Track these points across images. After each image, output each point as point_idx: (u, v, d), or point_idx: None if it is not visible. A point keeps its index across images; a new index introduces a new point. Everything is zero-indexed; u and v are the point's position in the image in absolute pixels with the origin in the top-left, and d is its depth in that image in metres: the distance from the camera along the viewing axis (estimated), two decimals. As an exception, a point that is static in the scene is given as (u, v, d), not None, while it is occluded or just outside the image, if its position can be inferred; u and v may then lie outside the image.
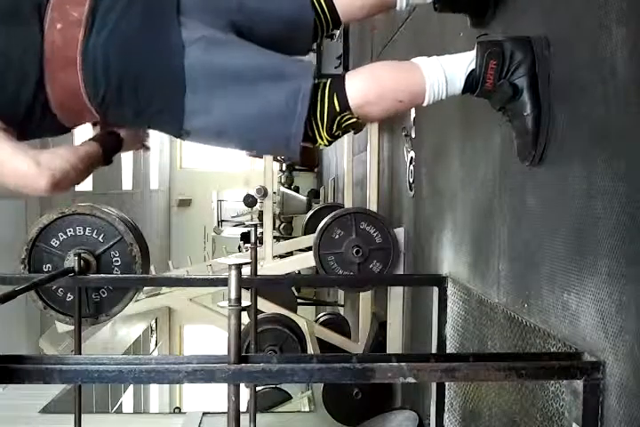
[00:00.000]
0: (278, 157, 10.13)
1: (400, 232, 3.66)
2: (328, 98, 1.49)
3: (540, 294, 1.64)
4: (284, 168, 10.75)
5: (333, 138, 1.55)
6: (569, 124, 1.49)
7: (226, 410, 1.52)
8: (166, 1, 1.50)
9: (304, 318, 4.73)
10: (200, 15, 1.51)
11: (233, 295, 1.46)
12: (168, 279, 3.48)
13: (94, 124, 1.74)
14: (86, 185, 8.61)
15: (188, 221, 14.93)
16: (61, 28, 1.44)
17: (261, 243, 4.51)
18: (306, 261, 4.34)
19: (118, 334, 8.70)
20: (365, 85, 1.51)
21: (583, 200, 1.41)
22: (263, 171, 4.73)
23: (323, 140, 1.54)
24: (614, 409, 1.30)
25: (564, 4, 1.53)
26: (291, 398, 5.42)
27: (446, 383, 2.57)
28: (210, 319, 4.82)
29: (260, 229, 4.19)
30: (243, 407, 2.52)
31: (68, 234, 2.95)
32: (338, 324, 5.66)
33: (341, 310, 7.10)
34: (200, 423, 4.29)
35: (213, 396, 7.77)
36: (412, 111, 3.32)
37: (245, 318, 3.40)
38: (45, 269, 2.95)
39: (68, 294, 2.97)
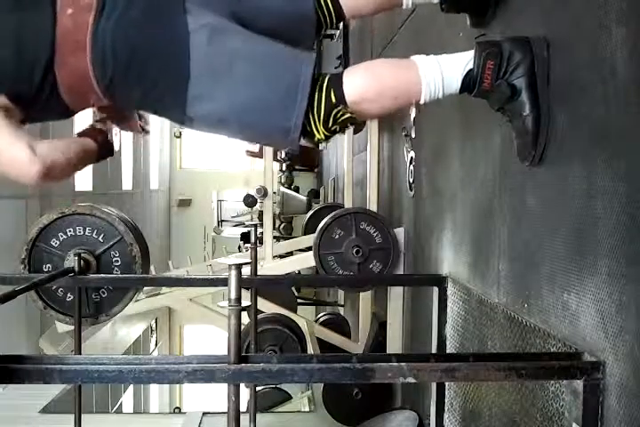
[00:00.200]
0: (279, 157, 10.15)
1: (400, 232, 3.66)
2: (325, 92, 1.50)
3: (540, 294, 1.64)
4: (284, 168, 10.75)
5: (330, 133, 1.56)
6: (569, 124, 1.49)
7: (226, 410, 1.52)
8: None
9: (304, 318, 4.73)
10: (205, 3, 1.53)
11: (233, 295, 1.46)
12: (168, 279, 3.48)
13: (98, 110, 1.75)
14: (86, 185, 8.61)
15: (188, 221, 14.93)
16: (72, 13, 1.48)
17: (261, 243, 4.51)
18: (306, 261, 4.34)
19: (118, 334, 8.70)
20: (362, 82, 1.53)
21: (583, 200, 1.41)
22: (263, 171, 4.73)
23: (320, 134, 1.55)
24: (614, 409, 1.30)
25: (563, 3, 1.53)
26: (291, 398, 5.42)
27: (446, 383, 2.57)
28: (210, 319, 4.82)
29: (260, 229, 4.19)
30: (243, 407, 2.53)
31: (68, 234, 2.96)
32: (338, 324, 5.66)
33: (341, 310, 7.10)
34: (200, 423, 4.29)
35: (213, 396, 7.76)
36: (412, 111, 3.32)
37: (245, 318, 3.40)
38: (45, 269, 2.95)
39: (68, 294, 2.97)
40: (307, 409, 5.23)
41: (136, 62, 1.49)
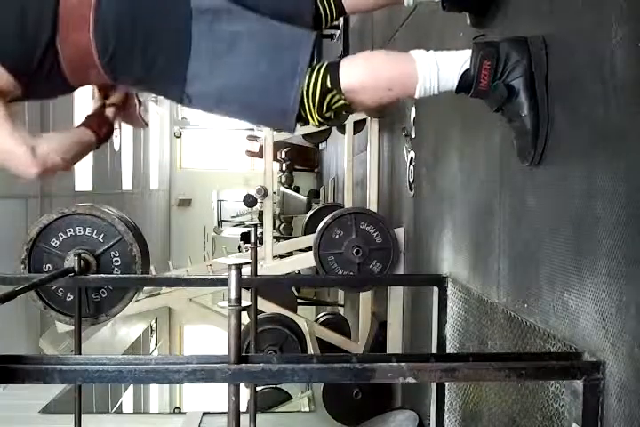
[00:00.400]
0: (279, 157, 10.15)
1: (400, 232, 3.66)
2: (322, 78, 1.51)
3: (540, 294, 1.64)
4: (284, 168, 10.74)
5: (324, 119, 1.57)
6: (569, 124, 1.49)
7: (226, 410, 1.52)
8: None
9: (304, 318, 4.73)
10: None
11: (233, 295, 1.45)
12: (168, 279, 3.47)
13: (100, 90, 1.77)
14: (86, 185, 8.61)
15: (188, 221, 14.91)
16: None
17: (261, 243, 4.51)
18: (306, 261, 4.34)
19: (118, 334, 8.71)
20: (359, 72, 1.54)
21: (583, 200, 1.41)
22: (263, 171, 4.73)
23: (314, 119, 1.56)
24: (614, 409, 1.30)
25: (564, 4, 1.53)
26: (291, 398, 5.42)
27: (446, 383, 2.57)
28: (210, 319, 4.82)
29: (260, 229, 4.19)
30: (243, 407, 2.52)
31: (68, 234, 2.95)
32: (338, 324, 5.66)
33: (341, 310, 7.10)
34: (200, 423, 4.29)
35: (213, 396, 7.76)
36: (413, 111, 3.32)
37: (245, 318, 3.40)
38: (45, 269, 2.95)
39: (68, 294, 2.97)
40: (307, 409, 5.23)
41: (138, 38, 1.51)
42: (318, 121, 1.57)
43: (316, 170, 12.61)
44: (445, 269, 2.66)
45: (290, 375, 1.42)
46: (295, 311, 4.87)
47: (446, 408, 2.59)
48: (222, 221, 13.23)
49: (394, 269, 3.63)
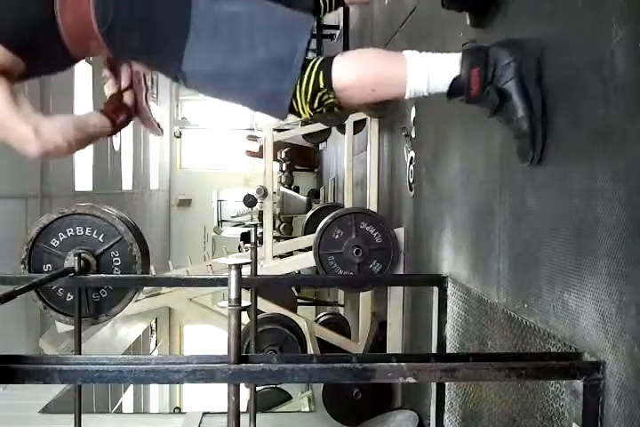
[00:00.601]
0: (279, 157, 10.15)
1: (400, 232, 3.66)
2: (315, 74, 1.52)
3: (540, 294, 1.64)
4: (284, 168, 10.75)
5: (315, 113, 1.58)
6: (568, 124, 1.49)
7: (226, 410, 1.52)
8: None
9: (304, 318, 4.73)
10: None
11: (233, 295, 1.45)
12: (168, 279, 3.47)
13: (110, 69, 1.76)
14: (86, 185, 8.61)
15: (188, 221, 14.92)
16: None
17: (261, 243, 4.52)
18: (306, 261, 4.34)
19: (118, 334, 8.70)
20: (351, 72, 1.54)
21: (583, 200, 1.41)
22: (263, 171, 4.73)
23: (305, 113, 1.57)
24: (614, 409, 1.30)
25: (564, 4, 1.53)
26: (291, 398, 5.42)
27: (446, 383, 2.57)
28: (210, 319, 4.82)
29: (260, 229, 4.19)
30: (243, 407, 2.52)
31: (68, 234, 2.95)
32: (338, 324, 5.66)
33: (341, 310, 7.10)
34: (200, 423, 4.29)
35: (213, 396, 7.76)
36: (413, 111, 3.32)
37: (245, 318, 3.40)
38: (45, 269, 2.95)
39: (68, 294, 2.97)
40: (307, 409, 5.23)
41: (137, 10, 1.51)
42: (309, 114, 1.58)
43: (316, 170, 12.61)
44: (445, 269, 2.66)
45: (290, 375, 1.42)
46: (295, 311, 4.87)
47: (446, 408, 2.59)
48: (222, 221, 13.24)
49: (394, 269, 3.63)
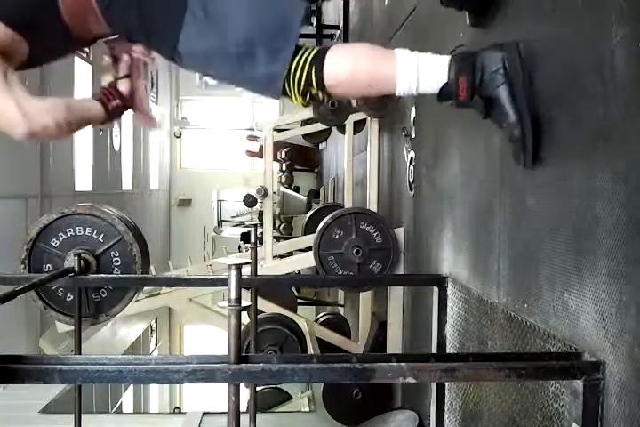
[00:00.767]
0: (279, 157, 10.15)
1: (400, 232, 3.66)
2: (307, 69, 1.54)
3: (540, 294, 1.64)
4: (284, 168, 10.75)
5: (305, 102, 1.60)
6: (568, 125, 1.49)
7: (226, 410, 1.52)
8: None
9: (304, 318, 4.73)
10: None
11: (233, 295, 1.45)
12: (168, 279, 3.47)
13: (112, 56, 1.74)
14: (86, 185, 8.60)
15: (188, 221, 14.91)
16: None
17: (261, 243, 4.52)
18: (306, 261, 4.34)
19: (118, 334, 8.70)
20: (342, 68, 1.56)
21: (583, 200, 1.41)
22: (263, 171, 4.73)
23: (297, 101, 1.59)
24: (614, 409, 1.30)
25: (564, 3, 1.53)
26: (291, 398, 5.42)
27: (446, 383, 2.57)
28: (210, 319, 4.82)
29: (260, 229, 4.19)
30: (243, 407, 2.52)
31: (68, 234, 2.95)
32: (338, 324, 5.66)
33: (341, 310, 7.10)
34: (200, 423, 4.29)
35: (213, 396, 7.76)
36: (413, 111, 3.32)
37: (245, 318, 3.40)
38: (45, 269, 2.95)
39: (68, 294, 2.97)
40: (307, 409, 5.23)
41: None
42: (301, 102, 1.59)
43: (316, 170, 12.61)
44: (445, 269, 2.66)
45: (290, 375, 1.42)
46: (295, 311, 4.87)
47: (446, 408, 2.59)
48: (222, 221, 13.24)
49: (394, 269, 3.63)
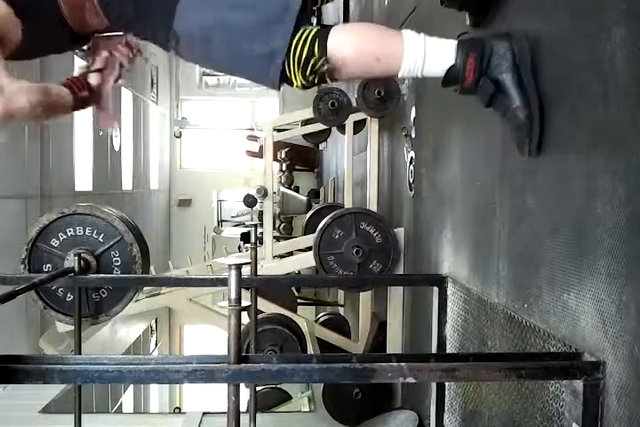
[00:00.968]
0: (279, 157, 10.15)
1: (400, 232, 3.66)
2: (310, 42, 1.52)
3: (540, 294, 1.64)
4: (284, 168, 10.75)
5: (307, 82, 1.57)
6: (568, 124, 1.49)
7: (226, 410, 1.52)
8: None
9: (304, 318, 4.73)
10: None
11: (233, 295, 1.45)
12: (168, 279, 3.47)
13: (93, 51, 1.75)
14: (86, 185, 8.61)
15: (188, 221, 14.92)
16: None
17: (261, 243, 4.52)
18: (306, 261, 4.34)
19: (118, 334, 8.70)
20: (347, 44, 1.55)
21: (583, 200, 1.41)
22: (263, 171, 4.73)
23: (297, 81, 1.57)
24: (614, 409, 1.30)
25: (564, 3, 1.53)
26: (291, 398, 5.42)
27: (446, 383, 2.57)
28: (210, 319, 4.82)
29: (260, 229, 4.19)
30: (243, 407, 2.52)
31: (68, 234, 2.95)
32: (338, 324, 5.66)
33: (341, 310, 7.10)
34: (200, 423, 4.29)
35: (213, 396, 7.76)
36: (413, 111, 3.32)
37: (245, 318, 3.40)
38: (45, 269, 2.95)
39: (68, 294, 2.97)
40: (307, 409, 5.23)
41: None
42: (302, 83, 1.57)
43: (316, 170, 12.61)
44: (445, 269, 2.66)
45: (290, 375, 1.42)
46: (295, 311, 4.87)
47: (446, 408, 2.59)
48: (222, 221, 13.25)
49: (394, 269, 3.63)
